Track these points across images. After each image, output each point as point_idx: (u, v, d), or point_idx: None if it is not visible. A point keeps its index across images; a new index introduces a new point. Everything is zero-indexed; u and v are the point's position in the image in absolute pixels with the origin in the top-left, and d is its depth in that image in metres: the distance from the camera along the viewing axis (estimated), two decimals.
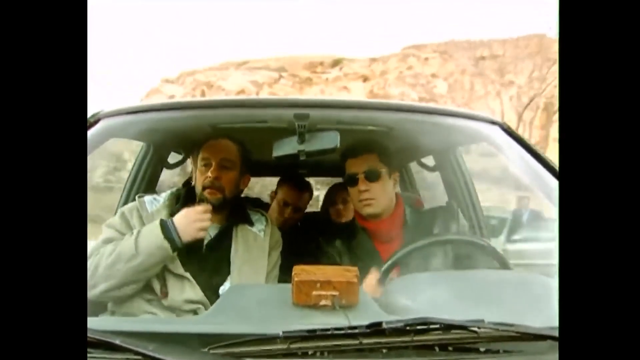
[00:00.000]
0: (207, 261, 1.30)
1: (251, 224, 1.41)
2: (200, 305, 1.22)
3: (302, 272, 0.82)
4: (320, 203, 2.47)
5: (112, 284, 1.18)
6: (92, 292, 1.18)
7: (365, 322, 0.71)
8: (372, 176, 1.38)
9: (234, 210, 1.41)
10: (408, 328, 0.70)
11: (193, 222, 1.25)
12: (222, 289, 1.27)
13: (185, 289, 1.23)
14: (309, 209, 2.29)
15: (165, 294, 1.22)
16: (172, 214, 1.30)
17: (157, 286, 1.23)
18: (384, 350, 0.70)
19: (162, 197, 1.39)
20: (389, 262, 1.15)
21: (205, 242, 1.34)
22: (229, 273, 1.29)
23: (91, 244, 1.26)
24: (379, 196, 1.38)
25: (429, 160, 2.30)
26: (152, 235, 1.22)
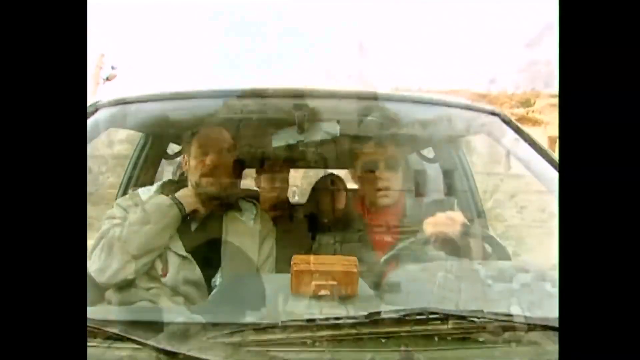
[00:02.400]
0: (196, 248, 1.31)
1: (240, 212, 1.41)
2: (195, 289, 1.24)
3: (301, 262, 0.82)
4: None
5: (127, 257, 1.20)
6: (108, 273, 1.19)
7: (364, 312, 0.71)
8: (394, 165, 1.35)
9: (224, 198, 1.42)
10: (407, 318, 0.70)
11: (193, 195, 1.33)
12: (214, 281, 1.28)
13: (184, 268, 1.26)
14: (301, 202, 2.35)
15: (165, 273, 1.25)
16: None
17: (159, 266, 1.26)
18: (383, 340, 0.70)
19: (154, 187, 1.42)
20: (390, 254, 1.13)
21: (193, 228, 1.35)
22: (219, 263, 1.30)
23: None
24: (396, 187, 1.36)
25: (429, 152, 2.28)
26: (159, 199, 1.30)
